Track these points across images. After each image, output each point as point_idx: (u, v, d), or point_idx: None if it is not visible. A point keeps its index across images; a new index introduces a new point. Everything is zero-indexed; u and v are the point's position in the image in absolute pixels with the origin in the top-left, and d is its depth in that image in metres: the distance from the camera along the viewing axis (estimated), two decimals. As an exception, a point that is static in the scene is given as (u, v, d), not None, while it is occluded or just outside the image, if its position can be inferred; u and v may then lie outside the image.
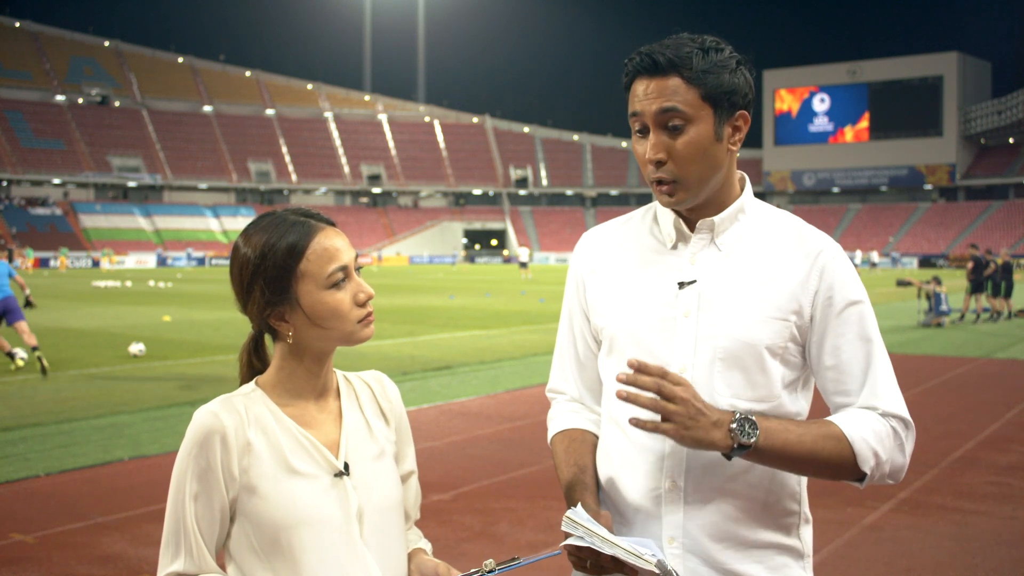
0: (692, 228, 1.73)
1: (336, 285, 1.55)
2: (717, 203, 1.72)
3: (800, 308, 1.68)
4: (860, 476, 1.64)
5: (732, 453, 1.55)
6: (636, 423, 1.53)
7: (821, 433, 1.61)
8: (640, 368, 1.53)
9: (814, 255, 1.70)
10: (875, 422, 1.64)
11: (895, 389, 1.69)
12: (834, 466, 1.62)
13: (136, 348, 12.78)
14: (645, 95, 1.64)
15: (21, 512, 5.49)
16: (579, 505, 1.59)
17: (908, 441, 1.66)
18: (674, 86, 1.61)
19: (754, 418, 1.55)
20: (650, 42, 1.68)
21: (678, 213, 1.73)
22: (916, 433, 1.69)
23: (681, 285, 1.69)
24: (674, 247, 1.74)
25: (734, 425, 1.53)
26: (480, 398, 9.54)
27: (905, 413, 1.67)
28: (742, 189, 1.76)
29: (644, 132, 1.66)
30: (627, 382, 1.53)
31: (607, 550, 1.49)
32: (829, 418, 1.67)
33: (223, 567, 1.56)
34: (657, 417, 1.55)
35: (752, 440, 1.53)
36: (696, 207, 1.71)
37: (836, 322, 1.68)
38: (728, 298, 1.67)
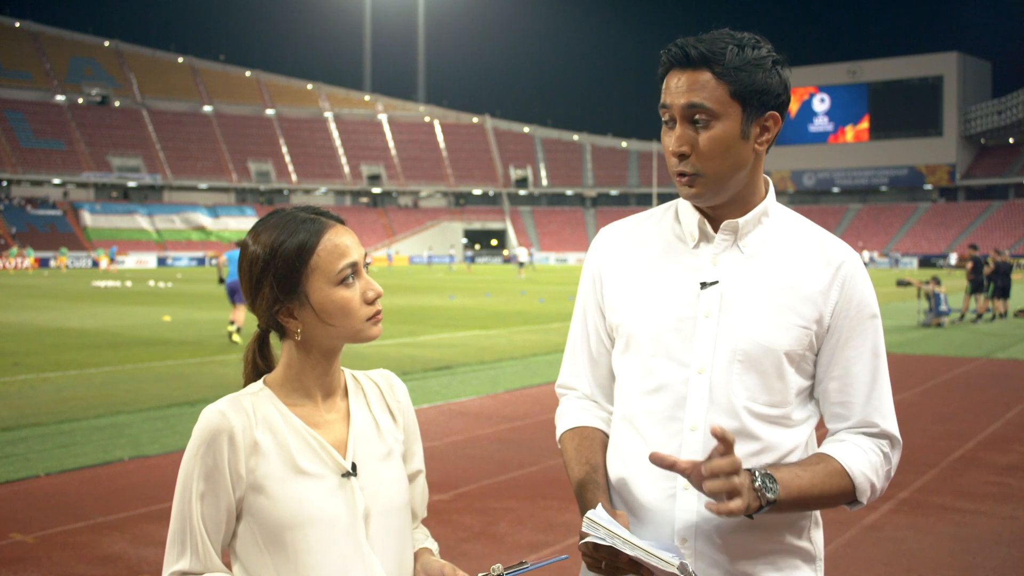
0: (716, 228, 1.72)
1: (345, 282, 1.55)
2: (741, 203, 1.71)
3: (820, 317, 1.68)
4: (853, 502, 1.70)
5: (757, 512, 1.56)
6: (714, 508, 1.51)
7: (826, 471, 1.65)
8: (721, 454, 1.49)
9: (836, 265, 1.70)
10: (871, 452, 1.70)
11: (892, 406, 1.75)
12: (837, 500, 1.68)
13: (233, 328, 14.53)
14: (676, 88, 1.64)
15: (21, 512, 5.49)
16: (599, 506, 1.58)
17: (894, 459, 1.74)
18: (704, 81, 1.61)
19: (769, 472, 1.57)
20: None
21: (703, 213, 1.73)
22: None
23: (703, 285, 1.69)
24: (696, 246, 1.73)
25: (757, 483, 1.54)
26: (480, 398, 9.54)
27: (897, 431, 1.74)
28: (766, 191, 1.75)
29: (672, 124, 1.66)
30: (715, 469, 1.49)
31: (629, 551, 1.49)
32: (827, 450, 1.69)
33: (228, 566, 1.56)
34: (729, 503, 1.51)
35: (774, 496, 1.55)
36: (720, 206, 1.71)
37: (852, 335, 1.70)
38: (750, 301, 1.67)
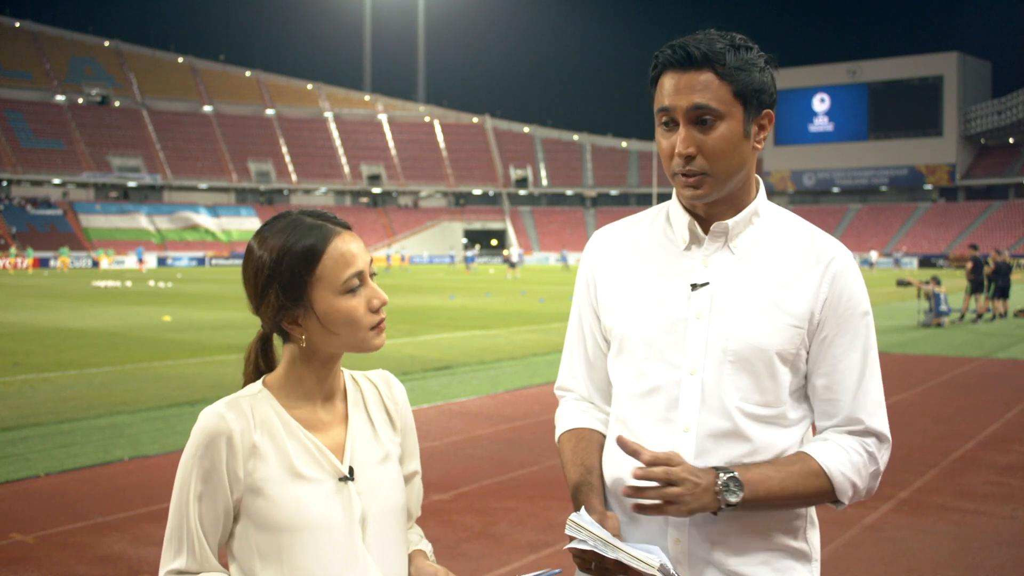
0: (706, 230, 1.72)
1: (351, 291, 1.54)
2: (735, 203, 1.71)
3: (811, 314, 1.68)
4: (836, 501, 1.70)
5: (720, 511, 1.59)
6: (641, 511, 1.59)
7: (802, 472, 1.65)
8: (651, 461, 1.56)
9: (826, 262, 1.70)
10: (853, 452, 1.68)
11: (881, 403, 1.73)
12: (815, 500, 1.69)
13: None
14: (676, 89, 1.62)
15: (21, 512, 5.49)
16: (583, 509, 1.59)
17: (882, 457, 1.71)
18: (706, 81, 1.60)
19: (737, 475, 1.59)
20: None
21: (693, 214, 1.72)
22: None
23: (694, 287, 1.69)
24: (687, 248, 1.73)
25: (719, 486, 1.57)
26: (480, 398, 9.54)
27: (885, 429, 1.71)
28: (757, 191, 1.76)
29: (671, 125, 1.65)
30: (643, 477, 1.56)
31: (610, 554, 1.50)
32: (807, 449, 1.69)
33: (225, 566, 1.56)
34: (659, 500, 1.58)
35: (737, 499, 1.58)
36: (713, 206, 1.71)
37: (841, 331, 1.69)
38: (741, 302, 1.67)
